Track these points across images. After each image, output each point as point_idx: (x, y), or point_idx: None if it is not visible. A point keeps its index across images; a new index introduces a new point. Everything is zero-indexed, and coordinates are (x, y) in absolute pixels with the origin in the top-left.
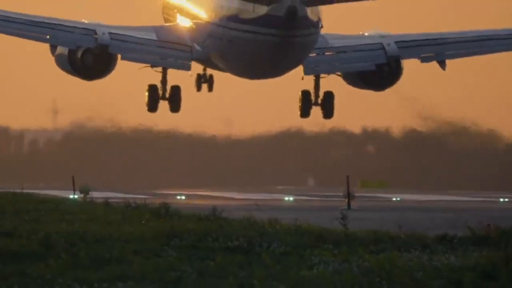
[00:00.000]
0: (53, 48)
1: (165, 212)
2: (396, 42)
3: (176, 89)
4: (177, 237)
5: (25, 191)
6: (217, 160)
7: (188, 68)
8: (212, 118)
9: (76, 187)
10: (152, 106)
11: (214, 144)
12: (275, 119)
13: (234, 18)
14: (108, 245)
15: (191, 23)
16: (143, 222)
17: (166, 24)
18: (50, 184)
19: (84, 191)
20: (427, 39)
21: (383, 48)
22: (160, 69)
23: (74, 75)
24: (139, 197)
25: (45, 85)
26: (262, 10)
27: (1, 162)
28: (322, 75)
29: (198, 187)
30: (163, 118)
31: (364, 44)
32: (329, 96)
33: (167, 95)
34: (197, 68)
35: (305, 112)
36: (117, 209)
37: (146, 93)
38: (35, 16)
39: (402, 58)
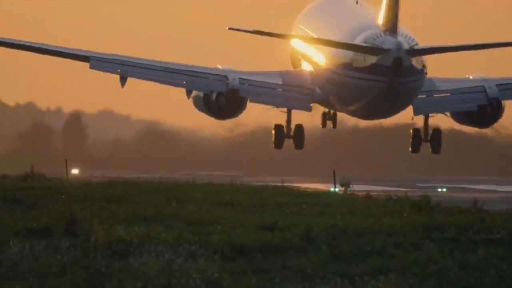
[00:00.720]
0: (188, 91)
1: (426, 204)
2: (497, 85)
3: (299, 128)
4: (438, 229)
5: (285, 184)
6: (477, 154)
7: (309, 109)
8: None
9: (336, 180)
10: (278, 143)
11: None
12: None
13: (348, 66)
14: (369, 238)
15: (313, 69)
16: (404, 214)
17: (291, 70)
18: (311, 178)
19: (345, 184)
20: None
21: (485, 90)
22: (285, 109)
23: (208, 115)
24: (400, 190)
25: None
26: (372, 59)
27: (262, 156)
28: (430, 115)
29: (458, 181)
30: None
31: (467, 87)
32: (437, 133)
33: (291, 134)
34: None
35: (415, 148)
36: (378, 202)
37: (273, 132)
38: (172, 64)
39: (502, 99)
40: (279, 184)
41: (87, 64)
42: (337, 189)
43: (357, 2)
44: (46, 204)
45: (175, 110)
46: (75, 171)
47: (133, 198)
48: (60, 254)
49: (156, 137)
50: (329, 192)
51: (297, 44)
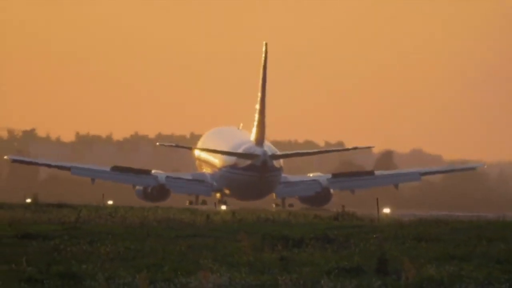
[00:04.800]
0: (133, 186)
1: None
2: (327, 179)
3: (203, 201)
4: None
5: None
6: None
7: (210, 195)
8: None
9: None
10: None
11: None
12: None
13: (233, 166)
14: None
15: (211, 170)
16: None
17: (197, 172)
18: None
19: None
20: (358, 175)
21: (320, 183)
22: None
23: (146, 201)
24: None
25: None
26: (248, 162)
27: None
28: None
29: None
30: None
31: (309, 181)
32: (290, 206)
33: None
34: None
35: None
36: None
37: (187, 203)
38: (122, 169)
39: (331, 189)
40: None
41: None
42: None
43: (238, 128)
44: (357, 243)
45: (483, 148)
46: (386, 210)
47: (443, 236)
48: None
49: (463, 177)
50: None
51: (199, 155)
